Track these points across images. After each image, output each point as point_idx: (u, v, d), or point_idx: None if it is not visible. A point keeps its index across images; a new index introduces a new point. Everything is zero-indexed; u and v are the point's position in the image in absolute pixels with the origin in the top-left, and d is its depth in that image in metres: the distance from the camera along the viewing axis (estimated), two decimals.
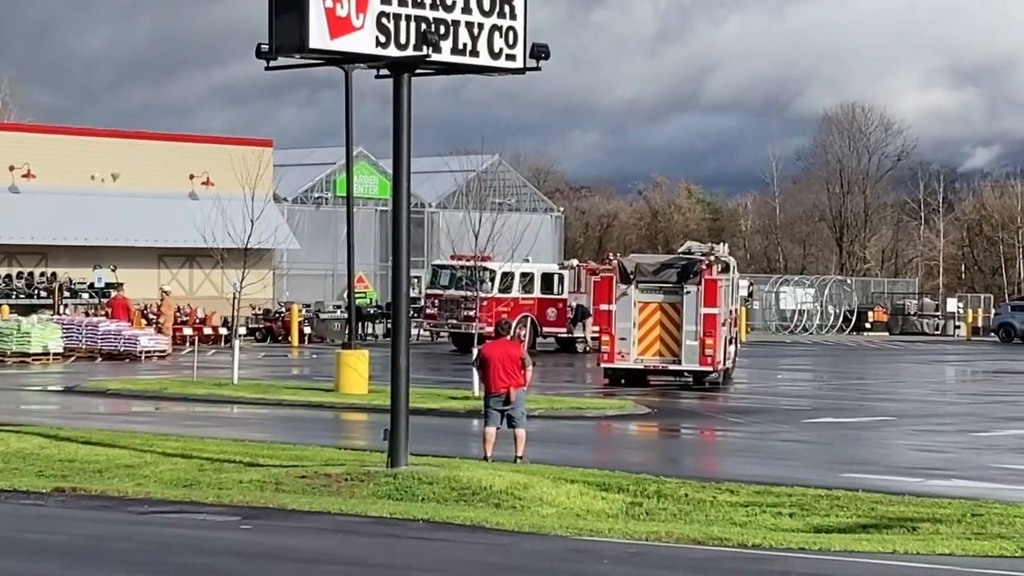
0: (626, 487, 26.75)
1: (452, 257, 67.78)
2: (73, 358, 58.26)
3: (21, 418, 37.41)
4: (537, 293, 67.85)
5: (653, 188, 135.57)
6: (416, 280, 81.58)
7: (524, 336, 63.83)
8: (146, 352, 60.08)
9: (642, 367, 50.73)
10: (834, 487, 26.99)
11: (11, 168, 67.83)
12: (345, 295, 72.96)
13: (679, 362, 50.22)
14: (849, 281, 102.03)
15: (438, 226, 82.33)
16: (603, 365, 51.37)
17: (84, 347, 59.68)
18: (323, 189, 79.75)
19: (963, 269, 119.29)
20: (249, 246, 53.43)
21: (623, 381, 50.40)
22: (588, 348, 64.90)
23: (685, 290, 50.14)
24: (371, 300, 72.17)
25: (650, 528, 22.48)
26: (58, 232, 69.52)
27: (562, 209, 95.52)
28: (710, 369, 50.09)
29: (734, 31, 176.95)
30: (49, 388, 48.00)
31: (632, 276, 50.87)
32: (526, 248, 66.83)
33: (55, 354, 58.08)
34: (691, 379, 50.42)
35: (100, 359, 58.31)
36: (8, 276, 69.00)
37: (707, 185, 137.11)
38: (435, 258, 78.98)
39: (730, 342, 52.68)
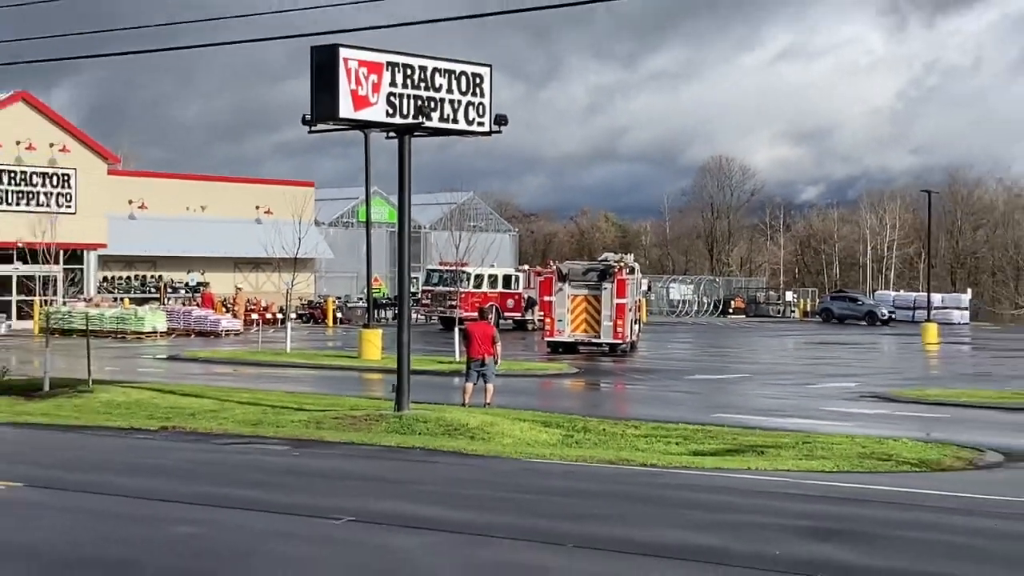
0: (562, 424, 26.83)
1: (440, 263, 67.82)
2: (174, 335, 58.11)
3: (137, 377, 37.37)
4: (500, 288, 68.06)
5: (581, 215, 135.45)
6: (415, 280, 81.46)
7: (491, 319, 63.54)
8: (225, 331, 59.99)
9: (573, 340, 50.68)
10: (707, 424, 27.22)
11: (130, 202, 67.77)
12: (365, 290, 72.95)
13: (599, 337, 50.24)
14: (717, 280, 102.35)
15: (430, 242, 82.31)
16: (546, 339, 51.46)
17: (182, 327, 59.55)
18: (350, 216, 79.65)
19: (796, 271, 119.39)
20: (297, 256, 53.69)
21: (560, 350, 50.30)
22: (535, 327, 64.79)
23: (603, 286, 50.17)
24: (383, 294, 71.94)
25: (579, 452, 22.83)
26: (163, 247, 69.23)
27: (517, 230, 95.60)
28: (620, 342, 50.05)
29: (641, 103, 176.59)
30: (156, 356, 47.82)
31: (566, 276, 50.93)
32: (492, 257, 66.82)
33: (161, 332, 58.00)
34: (607, 349, 50.19)
35: (193, 336, 58.18)
36: (128, 278, 68.93)
37: (619, 213, 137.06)
38: (428, 264, 78.92)
39: (635, 323, 52.67)
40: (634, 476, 19.36)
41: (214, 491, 16.30)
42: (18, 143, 62.25)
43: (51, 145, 63.36)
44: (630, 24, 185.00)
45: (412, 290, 78.44)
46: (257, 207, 73.47)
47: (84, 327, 49.99)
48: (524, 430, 25.92)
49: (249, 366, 43.95)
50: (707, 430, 25.85)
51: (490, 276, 67.62)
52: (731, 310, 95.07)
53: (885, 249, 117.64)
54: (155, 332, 57.65)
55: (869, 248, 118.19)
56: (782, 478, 19.47)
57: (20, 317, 62.11)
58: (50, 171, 63.38)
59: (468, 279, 65.76)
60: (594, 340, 50.40)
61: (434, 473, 19.37)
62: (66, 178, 63.39)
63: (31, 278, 60.26)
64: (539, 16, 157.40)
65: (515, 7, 30.77)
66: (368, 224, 49.91)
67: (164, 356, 47.62)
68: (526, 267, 75.71)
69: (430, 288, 68.36)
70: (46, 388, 31.69)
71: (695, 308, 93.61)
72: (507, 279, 69.46)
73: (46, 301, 56.55)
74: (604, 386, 39.71)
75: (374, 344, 45.97)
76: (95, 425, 25.82)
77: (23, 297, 62.46)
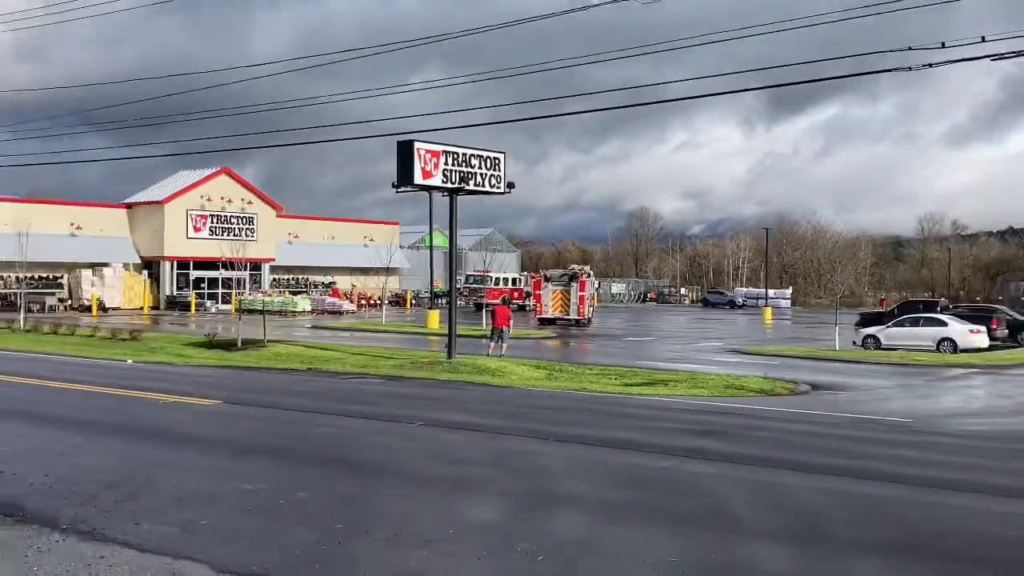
0: (547, 367, 26.46)
1: (474, 271, 67.73)
2: (314, 314, 57.84)
3: (293, 338, 37.13)
4: (510, 286, 67.37)
5: (558, 242, 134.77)
6: (458, 280, 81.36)
7: (509, 305, 63.37)
8: (346, 311, 59.73)
9: (554, 317, 50.35)
10: (633, 367, 26.89)
11: (288, 233, 67.60)
12: (429, 287, 72.83)
13: (569, 315, 49.95)
14: (640, 281, 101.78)
15: (467, 258, 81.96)
16: (538, 317, 51.06)
17: (319, 309, 59.26)
18: (419, 243, 79.29)
19: (687, 276, 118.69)
20: (388, 267, 53.56)
21: (545, 324, 49.92)
22: (529, 310, 64.27)
23: (571, 285, 49.86)
24: (440, 289, 71.80)
25: (557, 384, 22.49)
26: (309, 261, 69.12)
27: (519, 251, 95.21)
28: (582, 318, 49.66)
29: (595, 175, 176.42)
30: (304, 326, 47.58)
31: (549, 279, 50.66)
32: (504, 267, 66.75)
33: (307, 312, 57.72)
34: (574, 323, 49.89)
35: (326, 315, 57.81)
36: (288, 279, 68.73)
37: (581, 241, 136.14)
38: (466, 271, 78.87)
39: (591, 307, 52.28)
40: (590, 399, 19.27)
41: (338, 407, 16.23)
42: (222, 198, 62.28)
43: (242, 199, 63.38)
44: (589, 128, 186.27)
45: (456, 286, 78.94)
46: (364, 236, 73.20)
47: (261, 308, 50.53)
48: (525, 371, 25.68)
49: (360, 332, 43.63)
50: (633, 371, 25.58)
51: (503, 279, 67.21)
52: (648, 300, 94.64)
53: (740, 263, 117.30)
54: (303, 312, 57.41)
55: (730, 262, 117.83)
56: (678, 400, 19.35)
57: (223, 302, 61.97)
58: (241, 215, 63.22)
59: (490, 280, 65.45)
60: (566, 317, 50.05)
61: (470, 396, 19.26)
62: (250, 219, 63.22)
63: (229, 279, 60.91)
64: (534, 123, 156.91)
65: (522, 116, 30.56)
66: (431, 248, 49.95)
67: (309, 326, 47.41)
68: (526, 273, 75.22)
69: (467, 286, 67.91)
70: (239, 344, 31.56)
71: (627, 298, 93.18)
72: (514, 280, 68.98)
73: (238, 292, 56.94)
74: (572, 345, 39.49)
75: (434, 319, 45.83)
76: (268, 367, 25.78)
77: (224, 290, 62.44)
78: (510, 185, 29.07)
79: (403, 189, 30.04)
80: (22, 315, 43.17)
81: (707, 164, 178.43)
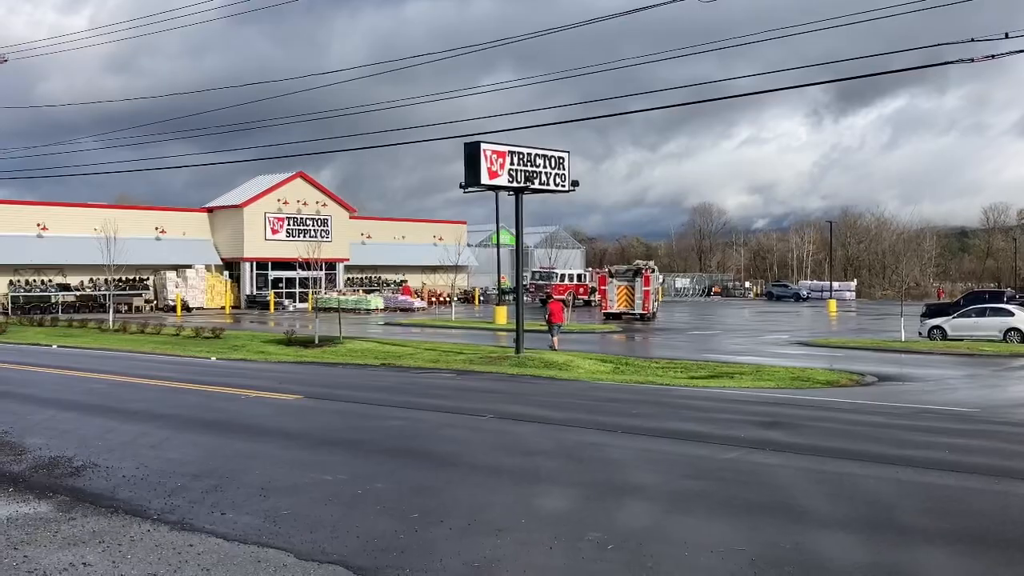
0: (613, 361, 26.53)
1: (540, 267, 67.66)
2: (387, 311, 58.31)
3: (367, 335, 37.64)
4: (575, 282, 67.17)
5: (622, 238, 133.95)
6: (524, 276, 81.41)
7: (569, 301, 63.22)
8: (417, 308, 60.13)
9: (619, 312, 50.12)
10: (698, 360, 26.77)
11: (361, 234, 68.31)
12: (496, 284, 73.02)
13: (634, 309, 49.68)
14: (704, 275, 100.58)
15: (534, 256, 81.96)
16: (603, 312, 50.79)
17: (392, 307, 59.70)
18: (487, 241, 79.47)
19: (751, 271, 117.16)
20: (457, 264, 54.02)
21: (610, 318, 49.67)
22: (594, 304, 63.94)
23: (636, 280, 49.57)
24: (507, 286, 71.94)
25: (623, 377, 22.49)
26: (380, 260, 69.83)
27: (584, 247, 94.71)
28: (647, 313, 49.34)
29: (659, 172, 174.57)
30: (377, 323, 48.03)
31: (613, 275, 50.41)
32: (569, 264, 66.60)
33: (379, 309, 58.25)
34: (639, 318, 49.62)
35: (398, 312, 58.22)
36: (361, 278, 69.45)
37: (645, 237, 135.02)
38: (532, 268, 78.98)
39: (655, 301, 51.98)
40: (656, 391, 19.20)
41: (412, 400, 16.40)
42: (298, 201, 63.20)
43: (317, 202, 64.22)
44: (654, 125, 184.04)
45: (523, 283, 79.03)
46: (433, 236, 73.66)
47: (336, 306, 51.09)
48: (591, 364, 25.79)
49: (431, 328, 43.93)
50: (699, 364, 25.50)
51: (569, 275, 66.93)
52: (713, 294, 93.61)
53: (804, 256, 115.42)
54: (376, 309, 57.93)
55: (794, 255, 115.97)
56: (743, 392, 19.19)
57: (300, 301, 62.94)
58: (316, 217, 64.12)
59: (556, 277, 65.32)
60: (631, 312, 49.77)
61: (538, 389, 19.32)
62: (325, 221, 64.07)
63: (306, 278, 61.89)
64: (600, 121, 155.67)
65: (588, 116, 30.54)
66: (498, 246, 50.25)
67: (382, 323, 47.93)
68: (590, 269, 74.84)
69: (534, 282, 67.83)
70: (316, 341, 32.04)
71: (691, 293, 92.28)
72: (579, 276, 68.62)
73: (314, 291, 57.81)
74: (637, 339, 39.36)
75: (502, 315, 46.00)
76: (344, 362, 26.16)
77: (301, 290, 63.45)
78: (574, 183, 29.06)
79: (471, 189, 30.21)
80: (111, 315, 44.44)
81: (772, 159, 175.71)
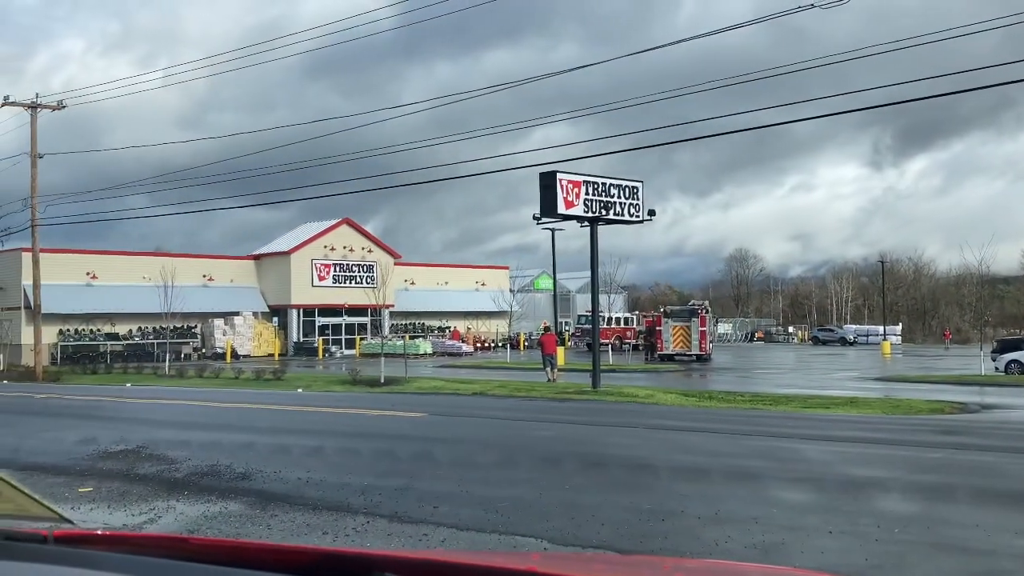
0: (695, 395, 26.00)
1: (587, 311, 67.13)
2: (435, 356, 58.06)
3: (427, 376, 37.37)
4: (623, 325, 66.63)
5: (655, 287, 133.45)
6: (567, 323, 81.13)
7: (617, 344, 62.54)
8: (465, 353, 59.84)
9: (673, 353, 49.56)
10: (779, 394, 26.18)
11: (405, 280, 68.20)
12: (542, 328, 72.76)
13: (690, 350, 49.15)
14: (747, 320, 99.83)
15: (575, 301, 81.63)
16: (658, 353, 50.22)
17: (440, 351, 59.47)
18: (528, 287, 79.34)
19: (788, 316, 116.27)
20: (501, 310, 53.93)
21: (665, 360, 49.15)
22: (642, 349, 63.14)
23: (692, 320, 49.11)
24: (550, 330, 71.53)
25: (717, 405, 22.15)
26: (424, 306, 69.66)
27: (626, 292, 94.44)
28: (704, 353, 48.86)
29: (701, 221, 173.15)
30: (428, 366, 47.80)
31: (669, 315, 49.97)
32: (614, 309, 66.29)
33: (428, 354, 57.99)
34: (696, 358, 49.13)
35: (447, 356, 58.02)
36: (405, 324, 69.17)
37: (679, 285, 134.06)
38: (575, 315, 78.46)
39: (711, 342, 51.43)
40: (775, 415, 18.93)
41: (539, 415, 16.45)
42: (344, 247, 63.41)
43: (363, 248, 64.44)
44: (704, 170, 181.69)
45: (566, 328, 78.88)
46: (476, 282, 73.62)
47: (384, 351, 50.77)
48: (673, 397, 25.30)
49: (488, 369, 44.02)
50: (787, 397, 24.99)
51: (616, 318, 66.38)
52: (755, 339, 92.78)
53: (843, 302, 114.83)
54: (425, 354, 57.62)
55: (832, 301, 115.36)
56: (863, 417, 18.74)
57: (347, 348, 62.81)
58: (362, 263, 64.24)
59: (604, 320, 64.62)
60: (687, 352, 49.23)
61: (658, 410, 19.27)
62: (371, 267, 64.17)
63: (352, 324, 61.82)
64: (648, 165, 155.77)
65: (648, 143, 30.49)
66: (555, 291, 49.62)
67: (434, 366, 47.65)
68: (637, 312, 74.31)
69: (580, 326, 67.38)
70: (382, 381, 31.72)
71: (734, 338, 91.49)
72: (626, 320, 68.12)
73: (361, 337, 57.55)
74: (703, 377, 38.85)
75: (561, 355, 45.45)
76: (430, 392, 26.33)
77: (348, 336, 63.42)
78: (650, 213, 28.91)
79: (546, 221, 30.12)
80: (167, 362, 44.36)
81: (817, 205, 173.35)
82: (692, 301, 54.24)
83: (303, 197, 48.48)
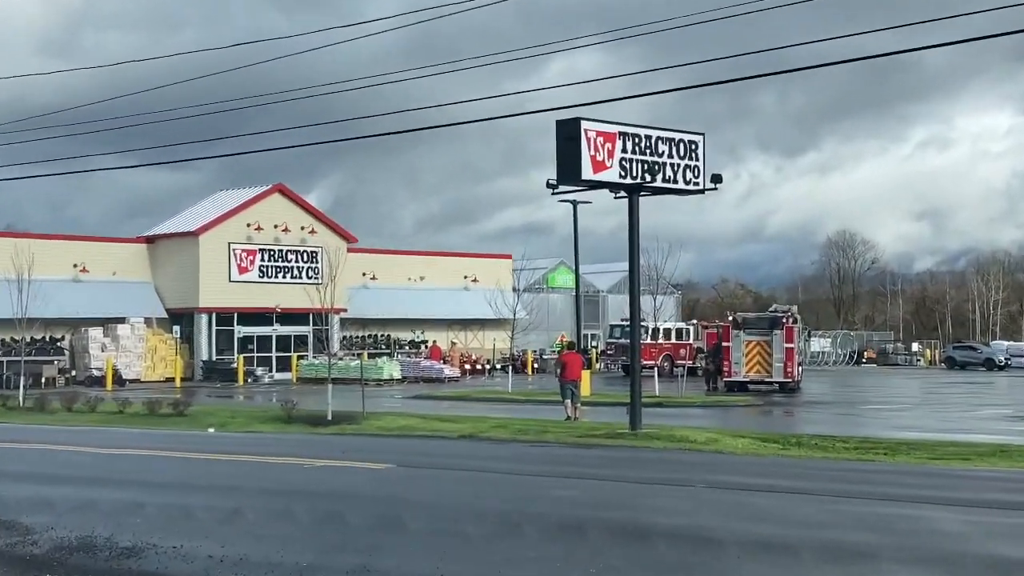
0: (777, 439, 26.13)
1: (622, 320, 67.27)
2: (406, 382, 58.21)
3: (395, 410, 37.35)
4: (673, 340, 66.75)
5: (719, 284, 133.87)
6: (595, 335, 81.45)
7: (666, 367, 62.79)
8: (447, 378, 60.01)
9: (746, 380, 49.63)
10: (899, 439, 26.31)
11: (363, 273, 68.43)
12: (560, 343, 72.86)
13: (771, 376, 49.24)
14: (852, 333, 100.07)
15: (607, 304, 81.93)
16: (725, 380, 50.30)
17: (412, 375, 59.57)
18: (540, 283, 79.58)
19: (915, 328, 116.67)
20: (499, 317, 54.23)
21: (736, 389, 49.27)
22: (702, 373, 63.33)
23: (773, 334, 49.25)
24: (561, 347, 71.92)
25: (816, 455, 22.25)
26: (390, 311, 69.85)
27: (679, 293, 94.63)
28: (790, 380, 49.00)
29: (789, 192, 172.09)
30: (397, 397, 47.91)
31: (742, 325, 50.13)
32: (662, 316, 66.44)
33: (395, 380, 58.18)
34: (778, 387, 49.17)
35: (421, 382, 58.11)
36: (363, 337, 69.51)
37: (757, 285, 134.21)
38: (605, 322, 78.66)
39: (800, 364, 51.57)
40: (887, 469, 19.05)
41: (552, 470, 16.62)
42: (276, 226, 63.71)
43: (302, 227, 64.70)
44: (788, 119, 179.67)
45: (593, 344, 79.17)
46: (465, 277, 73.95)
47: (344, 375, 50.72)
48: (745, 443, 25.42)
49: (481, 402, 43.74)
50: (907, 443, 25.04)
51: (665, 329, 66.42)
52: (864, 360, 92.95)
53: (989, 307, 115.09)
54: (391, 379, 57.73)
55: (976, 307, 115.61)
56: (1013, 474, 18.91)
57: (278, 370, 63.18)
58: (301, 248, 64.61)
59: (646, 332, 64.72)
60: (767, 379, 49.33)
61: (719, 461, 19.56)
62: (314, 255, 64.46)
63: (287, 336, 62.13)
64: (711, 112, 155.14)
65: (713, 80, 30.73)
66: (577, 285, 49.72)
67: (404, 396, 47.80)
68: (695, 322, 74.48)
69: (614, 341, 67.48)
70: (329, 418, 31.81)
71: (832, 358, 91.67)
72: (679, 332, 68.19)
73: (301, 355, 57.83)
74: (791, 414, 38.89)
75: (586, 382, 45.65)
76: (397, 434, 26.66)
77: (280, 353, 63.79)
78: (715, 179, 29.06)
79: (565, 190, 30.35)
80: (21, 390, 44.16)
81: (956, 169, 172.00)
82: (774, 306, 54.42)
83: (218, 154, 48.67)
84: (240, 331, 62.90)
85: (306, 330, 63.13)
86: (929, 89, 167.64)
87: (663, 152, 27.93)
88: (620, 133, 27.07)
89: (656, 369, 52.52)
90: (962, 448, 24.12)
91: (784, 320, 49.76)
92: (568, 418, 31.41)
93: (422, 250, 77.11)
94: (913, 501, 13.02)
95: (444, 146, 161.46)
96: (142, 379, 59.52)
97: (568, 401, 32.24)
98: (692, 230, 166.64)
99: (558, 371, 33.75)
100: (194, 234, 61.69)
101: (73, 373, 59.03)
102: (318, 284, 59.90)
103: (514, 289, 67.76)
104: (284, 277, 62.79)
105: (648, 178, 27.41)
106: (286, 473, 16.06)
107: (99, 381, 56.59)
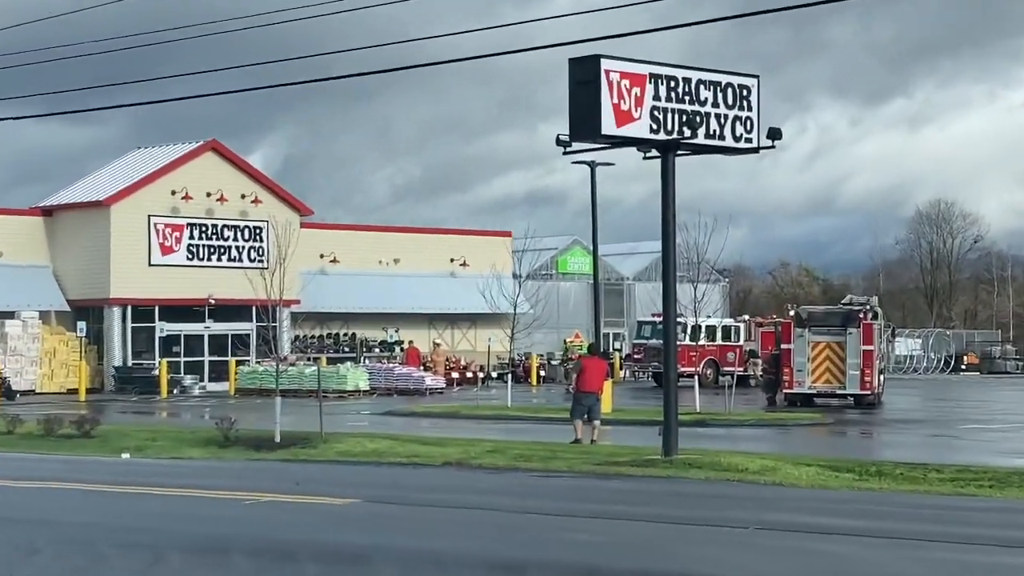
0: (852, 468, 26.11)
1: (653, 315, 67.29)
2: (375, 395, 58.20)
3: (362, 430, 37.56)
4: (719, 341, 66.80)
5: (776, 270, 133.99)
6: (617, 335, 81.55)
7: (709, 375, 63.01)
8: (429, 389, 60.12)
9: (811, 392, 49.65)
10: (1006, 470, 26.16)
11: (321, 256, 68.51)
12: (565, 345, 73.31)
13: (843, 387, 49.26)
14: (948, 334, 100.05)
15: (634, 294, 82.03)
16: (785, 391, 50.35)
17: (383, 386, 59.65)
18: (550, 267, 79.71)
19: None
20: (496, 311, 55.85)
21: (799, 404, 49.24)
22: (756, 383, 63.41)
23: (848, 332, 49.31)
24: (576, 348, 71.95)
25: (902, 487, 22.22)
26: (355, 303, 69.99)
27: (726, 281, 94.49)
28: (868, 392, 49.00)
29: (867, 150, 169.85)
30: (364, 413, 47.97)
31: (807, 321, 50.19)
32: (706, 310, 66.41)
33: (363, 391, 58.24)
34: (853, 401, 49.18)
35: (395, 395, 58.11)
36: (321, 336, 69.60)
37: (826, 271, 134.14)
38: (632, 318, 78.71)
39: (882, 372, 51.64)
40: (977, 510, 19.04)
41: (566, 507, 16.84)
42: (209, 195, 63.56)
43: (242, 195, 64.57)
44: (867, 57, 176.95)
45: (616, 346, 79.16)
46: (452, 260, 73.91)
47: (296, 385, 50.77)
48: (811, 473, 25.42)
49: (472, 419, 43.80)
50: (1021, 472, 24.95)
51: (708, 327, 66.28)
52: (964, 366, 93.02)
53: None
54: (357, 391, 57.74)
55: None
56: None
57: (212, 379, 63.21)
58: (242, 223, 64.56)
59: (684, 331, 64.56)
60: (838, 391, 49.40)
61: (774, 495, 19.83)
62: (257, 231, 64.44)
63: (224, 335, 62.08)
64: (769, 48, 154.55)
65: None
66: (595, 270, 49.79)
67: (380, 412, 47.78)
68: (746, 317, 74.56)
69: (642, 342, 67.54)
70: (277, 440, 31.86)
71: (923, 364, 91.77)
72: (726, 331, 68.10)
73: (241, 360, 57.80)
74: (870, 435, 38.92)
75: (606, 395, 45.60)
76: (364, 461, 27.21)
77: (215, 357, 63.77)
78: (773, 134, 29.00)
79: (580, 148, 30.39)
80: None
81: None
82: (849, 297, 54.36)
83: (134, 102, 48.31)
84: (163, 329, 62.98)
85: (248, 328, 63.01)
86: None
87: (706, 99, 27.92)
88: (651, 75, 27.07)
89: (697, 378, 52.49)
90: None
91: (861, 315, 49.84)
92: (576, 440, 31.57)
93: (397, 226, 77.10)
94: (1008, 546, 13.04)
95: (426, 93, 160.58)
96: (38, 390, 59.59)
97: (578, 421, 32.44)
98: (744, 200, 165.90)
99: (572, 380, 33.76)
100: (103, 204, 61.70)
101: None
102: (263, 269, 59.92)
103: (515, 275, 67.98)
104: (220, 260, 62.94)
105: (687, 133, 27.41)
106: (221, 510, 16.18)
107: None
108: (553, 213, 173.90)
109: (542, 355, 73.05)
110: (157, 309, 62.63)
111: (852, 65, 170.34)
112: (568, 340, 77.46)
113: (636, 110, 26.77)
